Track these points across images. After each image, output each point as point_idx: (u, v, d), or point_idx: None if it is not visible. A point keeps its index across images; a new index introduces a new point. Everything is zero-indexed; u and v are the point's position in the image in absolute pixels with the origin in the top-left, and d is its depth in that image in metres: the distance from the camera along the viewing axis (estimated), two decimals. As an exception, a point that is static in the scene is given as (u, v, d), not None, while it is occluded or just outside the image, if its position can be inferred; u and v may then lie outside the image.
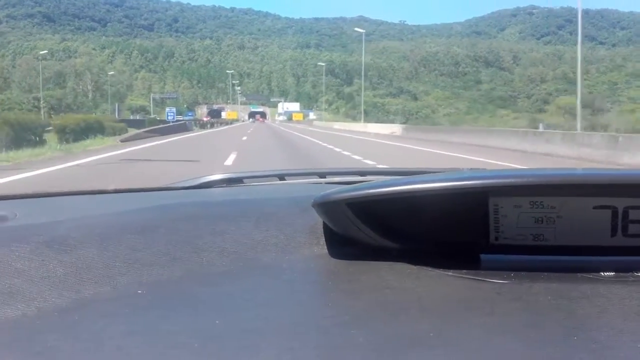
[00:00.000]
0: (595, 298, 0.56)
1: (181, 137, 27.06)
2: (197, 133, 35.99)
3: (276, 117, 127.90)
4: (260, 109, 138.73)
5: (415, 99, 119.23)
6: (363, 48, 51.48)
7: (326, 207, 0.69)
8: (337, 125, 54.44)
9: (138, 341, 0.48)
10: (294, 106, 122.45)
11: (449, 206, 0.66)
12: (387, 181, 0.71)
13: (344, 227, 0.69)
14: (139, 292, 0.61)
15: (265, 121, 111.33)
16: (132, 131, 29.19)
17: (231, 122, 78.76)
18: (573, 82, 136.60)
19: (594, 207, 0.64)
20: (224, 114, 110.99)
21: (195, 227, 0.75)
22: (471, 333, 0.48)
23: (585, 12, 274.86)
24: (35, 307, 0.56)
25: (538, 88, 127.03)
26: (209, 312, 0.54)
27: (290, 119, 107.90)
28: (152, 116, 72.56)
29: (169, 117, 46.88)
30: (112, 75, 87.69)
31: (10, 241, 0.67)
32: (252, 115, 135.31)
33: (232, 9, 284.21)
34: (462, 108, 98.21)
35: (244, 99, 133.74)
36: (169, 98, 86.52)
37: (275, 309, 0.55)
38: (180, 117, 71.06)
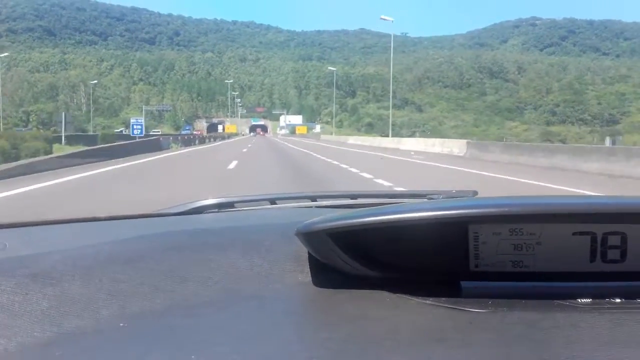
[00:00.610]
0: (567, 328, 0.57)
1: (135, 162, 16.10)
2: (173, 153, 25.01)
3: (278, 131, 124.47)
4: (262, 122, 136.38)
5: (420, 110, 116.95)
6: (392, 53, 43.96)
7: (308, 237, 0.69)
8: (352, 139, 45.25)
9: None
10: (297, 119, 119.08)
11: (429, 234, 0.67)
12: (368, 210, 0.71)
13: (326, 256, 0.70)
14: (121, 324, 0.60)
15: (266, 135, 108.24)
16: (66, 149, 21.37)
17: (228, 136, 70.30)
18: (579, 93, 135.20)
19: (574, 234, 0.65)
20: (221, 128, 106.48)
21: (180, 257, 0.76)
22: None
23: (589, 23, 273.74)
24: (17, 342, 0.56)
25: (545, 99, 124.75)
26: (189, 345, 0.54)
27: (293, 132, 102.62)
28: (118, 129, 61.04)
29: (135, 132, 34.35)
30: (94, 84, 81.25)
31: None
32: (253, 129, 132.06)
33: (234, 22, 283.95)
34: (469, 120, 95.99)
35: (245, 111, 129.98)
36: (163, 110, 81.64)
37: (253, 343, 0.55)
38: (156, 132, 63.64)
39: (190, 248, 0.80)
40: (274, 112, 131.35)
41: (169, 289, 0.68)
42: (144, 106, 71.70)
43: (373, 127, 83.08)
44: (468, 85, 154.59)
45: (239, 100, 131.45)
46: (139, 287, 0.68)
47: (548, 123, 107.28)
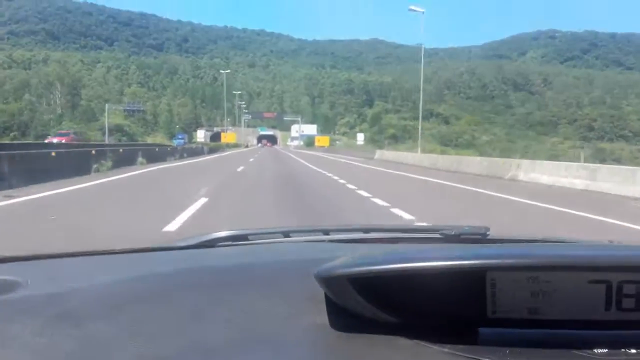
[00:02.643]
0: None
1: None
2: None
3: (289, 142, 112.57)
4: (270, 132, 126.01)
5: (447, 122, 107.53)
6: (422, 59, 36.07)
7: (328, 281, 0.69)
8: (427, 160, 26.06)
9: None
10: (311, 129, 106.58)
11: (447, 281, 0.67)
12: (388, 255, 0.73)
13: (345, 300, 0.70)
14: None
15: (275, 147, 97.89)
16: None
17: (217, 149, 54.47)
18: (614, 107, 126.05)
19: (589, 282, 0.65)
20: (207, 135, 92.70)
21: (198, 296, 0.77)
22: None
23: (612, 36, 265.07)
24: None
25: (580, 113, 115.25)
26: None
27: (310, 144, 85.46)
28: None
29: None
30: (74, 83, 71.29)
31: (23, 314, 0.69)
32: (261, 139, 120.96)
33: (245, 30, 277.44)
34: (500, 134, 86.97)
35: (249, 117, 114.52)
36: (134, 110, 64.69)
37: None
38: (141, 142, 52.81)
39: (208, 287, 0.81)
40: (285, 118, 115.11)
41: (188, 329, 0.69)
42: (106, 105, 59.19)
43: (397, 140, 73.62)
44: (492, 97, 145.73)
45: (244, 105, 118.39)
46: (158, 327, 0.69)
47: (584, 139, 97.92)
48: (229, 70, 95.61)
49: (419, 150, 31.16)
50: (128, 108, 64.54)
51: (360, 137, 72.69)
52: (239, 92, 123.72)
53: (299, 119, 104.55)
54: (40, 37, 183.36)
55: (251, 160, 30.20)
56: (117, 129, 68.48)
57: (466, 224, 1.30)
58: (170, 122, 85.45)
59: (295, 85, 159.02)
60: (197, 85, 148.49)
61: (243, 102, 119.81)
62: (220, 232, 1.27)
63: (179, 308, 0.73)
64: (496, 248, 0.82)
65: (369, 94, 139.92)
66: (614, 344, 0.65)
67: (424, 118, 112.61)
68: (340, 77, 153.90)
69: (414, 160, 28.41)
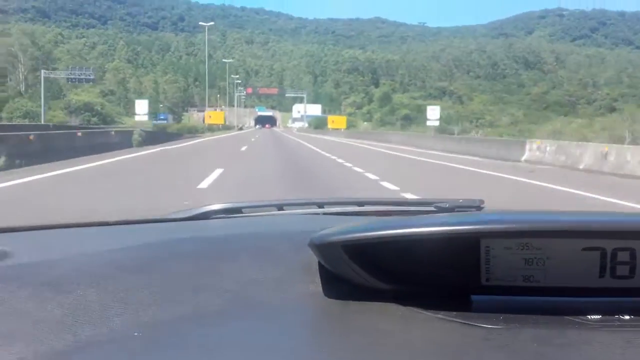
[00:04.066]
0: (580, 345, 0.57)
1: None
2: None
3: (290, 124, 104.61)
4: (269, 113, 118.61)
5: (461, 102, 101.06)
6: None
7: (322, 248, 0.69)
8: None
9: None
10: (315, 109, 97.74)
11: (441, 248, 0.67)
12: (381, 222, 0.73)
13: (339, 268, 0.70)
14: (135, 334, 0.61)
15: (275, 129, 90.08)
16: None
17: (180, 135, 36.08)
18: (634, 87, 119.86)
19: (583, 249, 0.65)
20: (199, 115, 79.08)
21: (191, 265, 0.77)
22: None
23: (621, 15, 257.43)
24: (33, 350, 0.56)
25: (600, 93, 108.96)
26: (202, 356, 0.55)
27: (320, 127, 73.14)
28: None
29: None
30: (39, 56, 59.64)
31: (11, 281, 0.68)
32: (260, 120, 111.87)
33: (243, 9, 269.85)
34: (518, 115, 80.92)
35: (243, 92, 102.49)
36: (76, 79, 47.21)
37: (264, 354, 0.55)
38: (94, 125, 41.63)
39: (201, 256, 0.81)
40: (288, 94, 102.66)
41: (181, 298, 0.69)
42: (42, 71, 48.11)
43: (411, 121, 67.15)
44: (503, 76, 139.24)
45: (238, 81, 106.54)
46: (151, 296, 0.68)
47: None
48: (212, 23, 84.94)
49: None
50: (71, 77, 48.20)
51: (435, 113, 45.37)
52: (236, 70, 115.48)
53: (305, 95, 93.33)
54: (30, 14, 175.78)
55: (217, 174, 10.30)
56: (86, 108, 55.38)
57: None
58: (155, 102, 75.73)
59: (296, 63, 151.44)
60: (190, 63, 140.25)
61: (237, 77, 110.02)
62: (214, 205, 1.26)
63: (171, 276, 0.73)
64: (489, 214, 0.82)
65: (375, 72, 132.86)
66: (608, 311, 0.65)
67: (435, 97, 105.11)
68: (344, 55, 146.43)
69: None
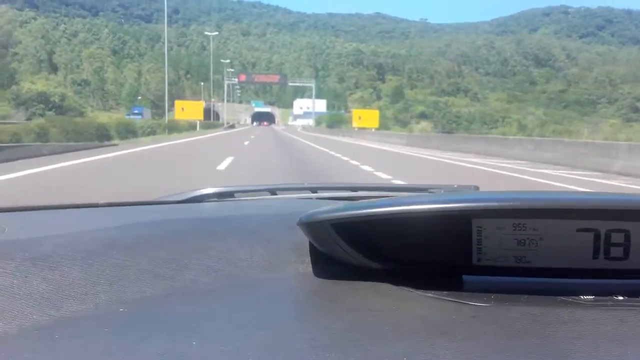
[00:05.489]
0: (571, 323, 0.57)
1: None
2: None
3: (291, 122, 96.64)
4: (267, 109, 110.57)
5: (477, 99, 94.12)
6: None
7: (311, 227, 0.69)
8: None
9: None
10: (320, 104, 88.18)
11: (432, 227, 0.67)
12: (371, 202, 0.71)
13: (329, 247, 0.70)
14: (121, 310, 0.61)
15: (273, 126, 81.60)
16: None
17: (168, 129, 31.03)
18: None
19: (577, 230, 0.65)
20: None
21: (180, 244, 0.76)
22: (445, 357, 0.48)
23: (627, 13, 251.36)
24: (16, 325, 0.57)
25: (621, 92, 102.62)
26: (189, 332, 0.55)
27: (335, 125, 59.80)
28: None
29: None
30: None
31: None
32: (256, 117, 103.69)
33: (240, 2, 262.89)
34: (539, 114, 74.49)
35: (235, 80, 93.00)
36: None
37: (254, 331, 0.55)
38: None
39: (190, 235, 0.81)
40: (291, 84, 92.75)
41: (168, 275, 0.68)
42: None
43: (428, 119, 60.11)
44: (513, 73, 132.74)
45: (232, 70, 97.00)
46: (138, 273, 0.68)
47: (628, 120, 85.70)
48: (216, 33, 75.80)
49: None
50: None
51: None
52: (232, 64, 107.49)
53: (313, 85, 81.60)
54: (17, 4, 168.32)
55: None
56: (39, 99, 45.99)
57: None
58: (135, 94, 66.41)
59: (297, 56, 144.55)
60: (181, 54, 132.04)
61: (231, 68, 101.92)
62: (206, 189, 1.26)
63: (159, 255, 0.73)
64: (481, 193, 0.81)
65: (381, 67, 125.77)
66: (601, 292, 0.65)
67: (449, 93, 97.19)
68: (347, 48, 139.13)
69: None
